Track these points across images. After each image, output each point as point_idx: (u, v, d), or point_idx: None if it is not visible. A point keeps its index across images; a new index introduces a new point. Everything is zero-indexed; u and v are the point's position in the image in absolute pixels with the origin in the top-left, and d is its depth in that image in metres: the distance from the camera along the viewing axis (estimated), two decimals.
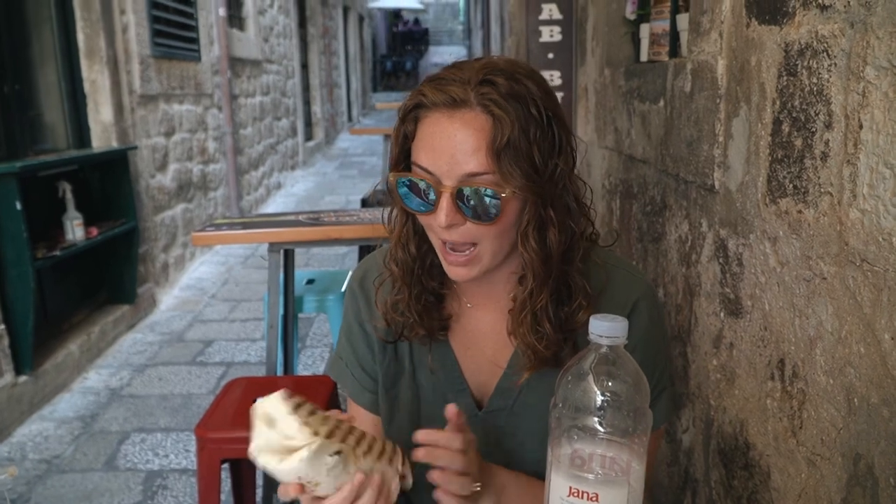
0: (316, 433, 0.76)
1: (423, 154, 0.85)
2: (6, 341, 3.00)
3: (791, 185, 1.02)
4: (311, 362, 3.82)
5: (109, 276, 4.17)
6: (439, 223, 0.84)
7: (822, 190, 0.93)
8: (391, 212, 0.97)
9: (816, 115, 0.94)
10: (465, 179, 0.82)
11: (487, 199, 0.82)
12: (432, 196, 0.85)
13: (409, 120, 0.88)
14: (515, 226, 0.87)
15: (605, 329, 0.69)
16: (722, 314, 1.31)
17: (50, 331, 3.55)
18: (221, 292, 5.07)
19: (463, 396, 0.99)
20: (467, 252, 0.87)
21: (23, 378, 3.11)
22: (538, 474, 0.93)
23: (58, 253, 3.34)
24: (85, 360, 3.69)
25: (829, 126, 0.91)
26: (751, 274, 1.18)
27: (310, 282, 3.02)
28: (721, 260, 1.31)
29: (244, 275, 5.48)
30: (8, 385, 3.01)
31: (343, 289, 2.90)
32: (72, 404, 3.35)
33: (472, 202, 0.83)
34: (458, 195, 0.83)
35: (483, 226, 0.85)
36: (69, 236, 3.54)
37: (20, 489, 2.66)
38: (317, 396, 2.03)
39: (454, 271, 0.90)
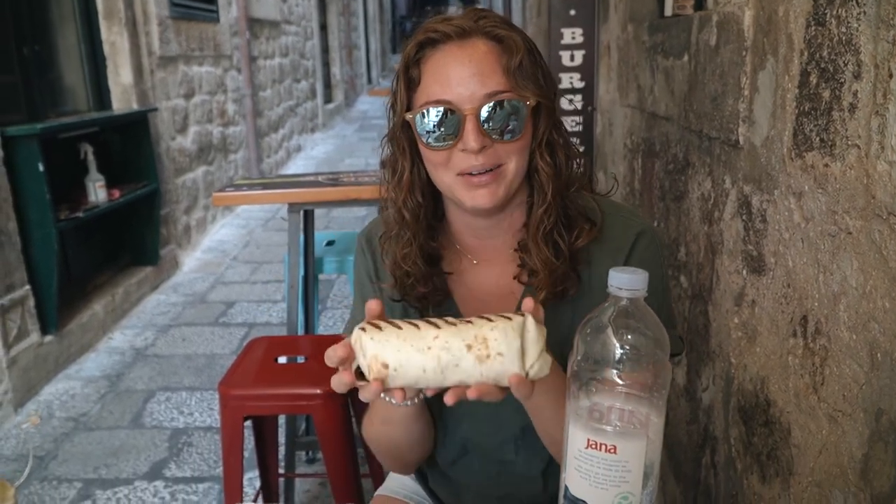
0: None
1: (438, 87, 0.89)
2: (31, 302, 3.06)
3: (817, 139, 0.99)
4: (331, 323, 3.86)
5: (132, 239, 4.22)
6: (469, 147, 0.87)
7: (850, 142, 0.90)
8: (392, 166, 0.98)
9: (845, 65, 0.91)
10: (487, 98, 0.87)
11: (510, 114, 0.87)
12: (454, 125, 0.88)
13: (413, 65, 0.91)
14: (533, 143, 0.92)
15: (626, 281, 0.68)
16: (744, 272, 1.30)
17: (74, 292, 3.61)
18: (243, 254, 5.12)
19: None
20: (492, 170, 0.90)
21: (48, 338, 3.17)
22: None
23: (80, 214, 3.38)
24: (109, 320, 3.75)
25: (857, 76, 0.88)
26: (774, 230, 1.16)
27: (329, 243, 3.03)
28: (744, 217, 1.29)
29: (265, 237, 5.52)
30: (34, 344, 3.07)
31: None
32: (97, 364, 3.42)
33: (494, 121, 0.87)
34: (481, 116, 0.87)
35: (508, 144, 0.89)
36: (91, 198, 3.57)
37: (47, 446, 2.73)
38: None
39: (479, 195, 0.91)
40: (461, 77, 0.87)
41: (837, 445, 0.97)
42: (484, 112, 0.87)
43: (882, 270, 0.85)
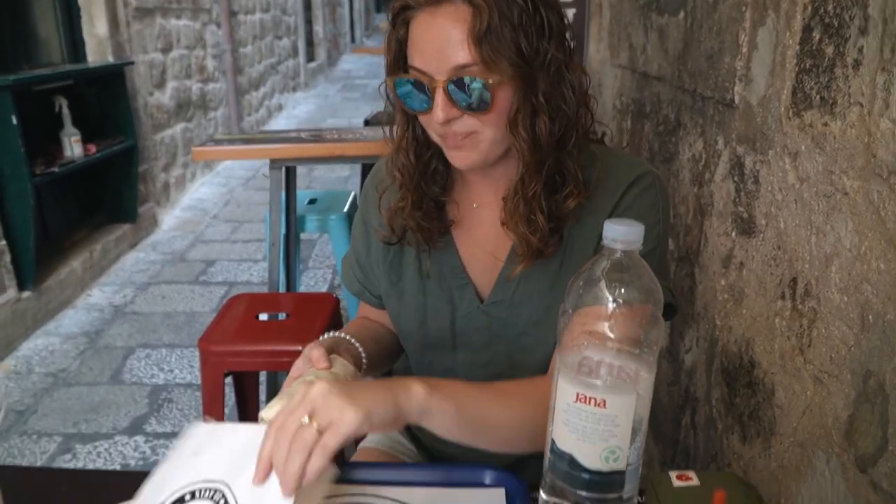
0: None
1: (416, 55, 0.87)
2: (7, 257, 3.00)
3: (818, 97, 0.97)
4: (313, 283, 3.83)
5: (109, 195, 4.14)
6: (437, 119, 0.86)
7: (852, 100, 0.88)
8: (392, 123, 0.99)
9: (851, 19, 0.89)
10: (455, 72, 0.84)
11: (477, 89, 0.84)
12: (425, 95, 0.87)
13: (400, 24, 0.89)
14: (510, 113, 0.88)
15: (620, 233, 0.66)
16: (733, 234, 1.28)
17: (51, 249, 3.55)
18: (223, 213, 5.05)
19: (466, 290, 1.02)
20: (467, 136, 0.89)
21: (26, 294, 3.12)
22: (542, 364, 0.96)
23: (56, 169, 3.30)
24: (87, 277, 3.70)
25: (864, 31, 0.86)
26: (767, 192, 1.15)
27: (312, 202, 2.99)
28: (736, 178, 1.27)
29: (246, 196, 5.45)
30: (11, 300, 3.02)
31: (345, 209, 2.87)
32: (76, 320, 3.37)
33: (464, 94, 0.85)
34: (450, 89, 0.85)
35: (479, 116, 0.86)
36: (67, 153, 3.49)
37: (27, 401, 2.70)
38: (319, 314, 2.03)
39: (456, 157, 0.92)
40: (432, 46, 0.85)
41: (822, 406, 0.97)
42: (451, 86, 0.84)
43: (878, 231, 0.84)
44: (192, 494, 0.72)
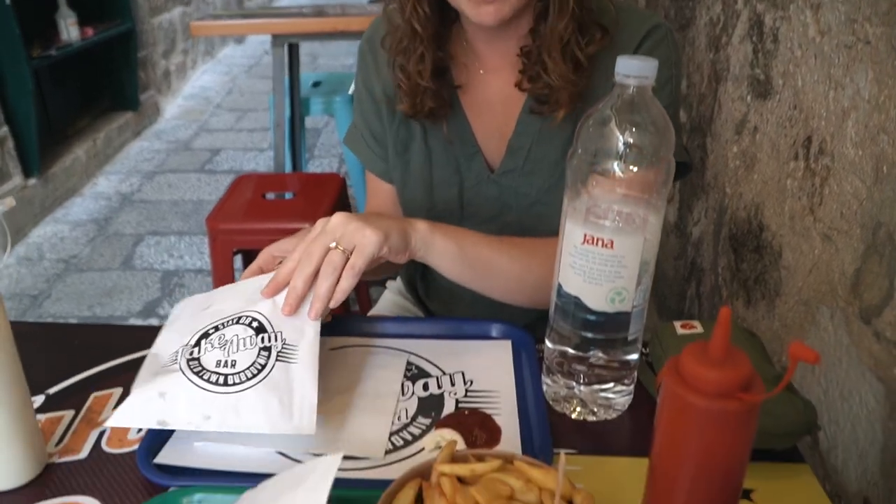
0: None
1: None
2: (11, 143, 2.98)
3: None
4: (319, 171, 3.81)
5: (110, 82, 4.07)
6: None
7: None
8: None
9: None
10: None
11: None
12: None
13: None
14: None
15: (633, 68, 0.63)
16: (749, 97, 1.25)
17: (54, 136, 3.52)
18: (226, 102, 4.97)
19: (475, 160, 0.99)
20: None
21: (32, 181, 3.12)
22: (552, 233, 0.94)
23: (54, 52, 3.23)
24: (93, 165, 3.69)
25: None
26: (786, 49, 1.10)
27: (316, 84, 2.92)
28: (754, 38, 1.22)
29: (249, 84, 5.34)
30: (18, 187, 3.03)
31: (350, 91, 2.81)
32: (84, 208, 3.39)
33: None
34: None
35: None
36: (64, 36, 3.40)
37: (40, 286, 2.75)
38: (326, 193, 2.03)
39: (484, 13, 0.84)
40: None
41: (829, 263, 0.97)
42: None
43: None
44: (216, 328, 0.73)
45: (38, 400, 0.77)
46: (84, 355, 0.84)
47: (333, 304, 0.75)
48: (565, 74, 0.87)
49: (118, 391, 0.79)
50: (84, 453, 0.70)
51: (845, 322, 0.92)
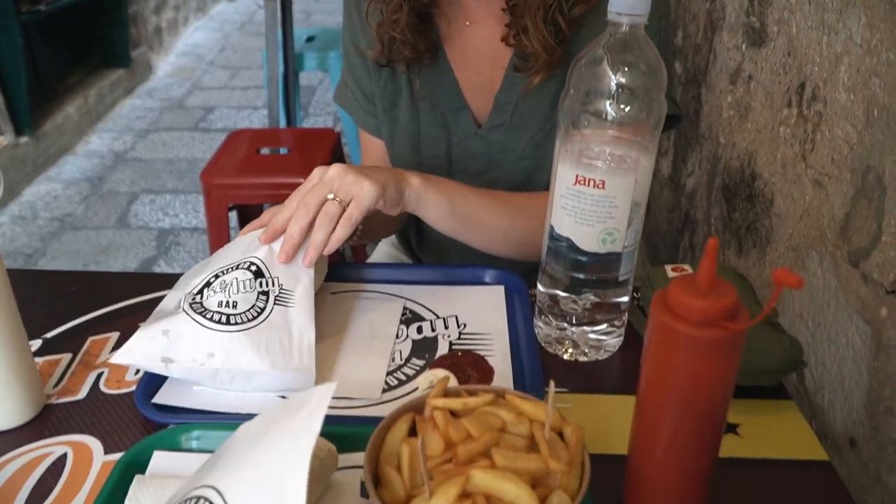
0: None
1: None
2: (1, 101, 2.94)
3: None
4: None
5: (100, 38, 4.00)
6: None
7: None
8: None
9: None
10: None
11: None
12: None
13: None
14: None
15: (626, 6, 0.63)
16: (744, 46, 1.24)
17: (45, 94, 3.47)
18: (219, 59, 4.90)
19: (462, 115, 0.98)
20: None
21: (23, 139, 3.09)
22: (540, 188, 0.95)
23: (42, 7, 3.17)
24: (85, 123, 3.65)
25: None
26: None
27: (310, 39, 2.89)
28: None
29: (242, 41, 5.27)
30: (9, 145, 3.00)
31: None
32: (77, 166, 3.37)
33: None
34: None
35: None
36: None
37: (35, 244, 2.75)
38: (320, 148, 2.02)
39: None
40: None
41: (819, 209, 0.97)
42: None
43: (891, 22, 0.81)
44: (217, 275, 0.73)
45: (36, 344, 0.78)
46: (81, 301, 0.85)
47: (327, 252, 0.76)
48: (544, 41, 0.86)
49: (115, 335, 0.80)
50: (82, 394, 0.71)
51: (834, 266, 0.93)
